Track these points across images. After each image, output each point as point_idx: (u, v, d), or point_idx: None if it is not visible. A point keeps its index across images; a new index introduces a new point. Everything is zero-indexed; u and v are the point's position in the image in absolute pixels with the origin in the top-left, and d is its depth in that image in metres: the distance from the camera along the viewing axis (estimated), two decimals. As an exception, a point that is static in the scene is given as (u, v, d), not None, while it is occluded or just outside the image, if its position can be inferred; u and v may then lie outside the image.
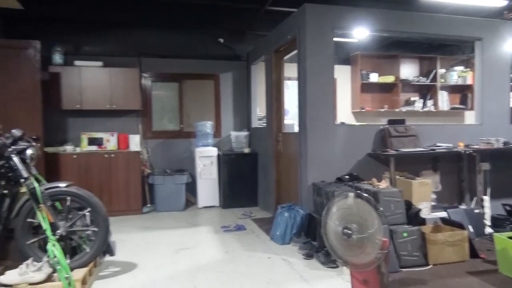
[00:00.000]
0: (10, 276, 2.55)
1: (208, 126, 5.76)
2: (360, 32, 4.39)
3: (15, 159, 2.68)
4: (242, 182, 5.62)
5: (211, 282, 2.90)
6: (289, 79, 5.36)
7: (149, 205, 5.48)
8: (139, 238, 4.11)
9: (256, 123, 6.02)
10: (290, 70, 4.97)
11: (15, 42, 4.34)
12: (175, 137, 6.06)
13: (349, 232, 2.26)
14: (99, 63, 5.31)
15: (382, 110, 6.38)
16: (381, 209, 2.29)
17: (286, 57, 4.87)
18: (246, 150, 5.80)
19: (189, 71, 6.09)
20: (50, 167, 4.69)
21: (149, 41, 5.66)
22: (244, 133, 5.97)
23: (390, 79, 6.41)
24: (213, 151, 5.69)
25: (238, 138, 5.93)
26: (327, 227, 2.38)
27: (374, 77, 6.35)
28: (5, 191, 2.76)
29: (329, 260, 3.11)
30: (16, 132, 2.77)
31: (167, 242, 3.92)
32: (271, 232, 3.94)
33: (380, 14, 4.20)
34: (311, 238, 3.60)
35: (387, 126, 4.14)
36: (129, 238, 4.08)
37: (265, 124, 5.57)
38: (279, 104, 4.94)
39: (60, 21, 5.05)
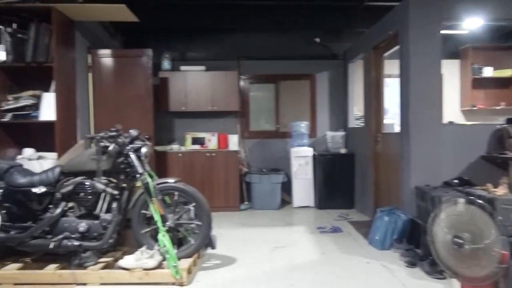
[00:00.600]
0: (128, 261, 2.86)
1: (303, 126, 5.76)
2: (472, 22, 4.00)
3: (132, 156, 2.98)
4: (338, 183, 5.51)
5: (307, 282, 2.89)
6: (389, 76, 5.10)
7: (246, 202, 5.68)
8: (237, 233, 4.28)
9: (353, 123, 5.86)
10: (391, 67, 4.74)
11: (131, 51, 4.85)
12: (271, 137, 6.18)
13: (461, 241, 2.08)
14: (202, 68, 5.66)
15: (498, 107, 5.73)
16: (500, 218, 2.05)
17: (386, 54, 4.65)
18: (343, 151, 5.67)
19: (285, 72, 6.17)
20: (159, 164, 5.13)
21: (247, 44, 5.88)
22: (341, 133, 5.84)
23: (507, 73, 5.72)
24: (309, 151, 5.67)
25: (334, 138, 5.82)
26: (434, 234, 2.22)
27: (488, 72, 5.73)
28: (124, 185, 3.10)
29: (435, 270, 2.88)
30: (133, 132, 3.09)
31: (263, 239, 4.02)
32: (370, 236, 3.79)
33: (497, 0, 3.77)
34: (414, 245, 3.38)
35: (505, 125, 3.70)
36: (228, 233, 4.28)
37: (362, 124, 5.38)
38: (378, 103, 4.73)
39: (168, 31, 5.52)
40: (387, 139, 4.49)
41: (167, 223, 2.99)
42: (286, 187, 5.80)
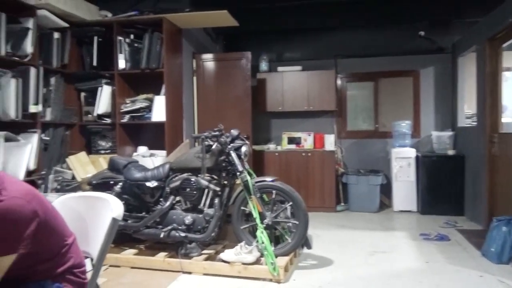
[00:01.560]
0: (228, 254, 3.00)
1: (405, 125, 5.43)
2: None
3: (233, 155, 3.12)
4: (445, 187, 5.08)
5: (410, 292, 2.73)
6: (508, 69, 4.55)
7: (342, 204, 5.56)
8: (333, 235, 4.21)
9: (463, 122, 5.34)
10: (510, 59, 4.22)
11: (232, 54, 5.08)
12: (370, 137, 5.95)
13: None
14: (299, 68, 5.68)
15: None
16: None
17: (505, 45, 4.15)
18: (450, 152, 5.21)
19: (385, 69, 5.88)
20: (257, 163, 5.29)
21: (344, 42, 5.73)
22: (448, 133, 5.37)
23: None
24: (411, 152, 5.33)
25: (440, 138, 5.38)
26: None
27: None
28: (225, 182, 3.26)
29: None
30: (234, 132, 3.23)
31: (361, 243, 3.89)
32: (483, 247, 3.42)
33: None
34: (539, 261, 2.96)
35: None
36: (324, 234, 4.23)
37: (475, 123, 4.88)
38: (495, 99, 4.24)
39: (266, 33, 5.66)
40: (506, 140, 4.01)
41: (265, 221, 3.07)
42: (385, 190, 5.53)
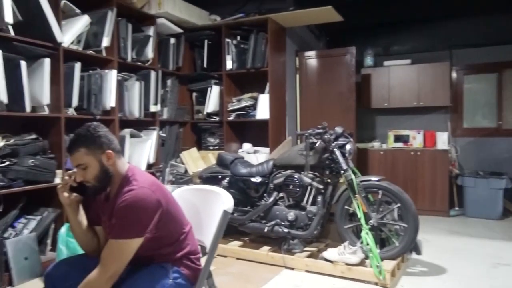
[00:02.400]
0: (331, 254, 2.96)
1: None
2: None
3: (337, 153, 3.07)
4: None
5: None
6: None
7: (456, 208, 5.07)
8: (445, 241, 3.87)
9: None
10: None
11: (335, 50, 4.98)
12: (491, 135, 5.32)
13: None
14: (407, 61, 5.33)
15: None
16: None
17: None
18: None
19: (511, 59, 5.19)
20: (360, 162, 5.11)
21: (459, 31, 5.20)
22: None
23: None
24: (544, 153, 4.63)
25: None
26: None
27: None
28: (328, 180, 3.22)
29: None
30: (338, 130, 3.17)
31: (479, 253, 3.51)
32: None
33: None
34: None
35: None
36: (435, 240, 3.91)
37: None
38: None
39: (371, 27, 5.43)
40: None
41: (370, 221, 2.96)
42: (510, 195, 4.90)
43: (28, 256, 2.88)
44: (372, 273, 2.76)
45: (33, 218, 3.09)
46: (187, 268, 1.57)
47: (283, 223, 3.23)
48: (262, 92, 4.41)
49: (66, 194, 1.53)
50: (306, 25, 5.20)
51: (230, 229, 3.50)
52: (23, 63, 2.89)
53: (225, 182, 3.51)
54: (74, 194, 1.53)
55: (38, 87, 3.03)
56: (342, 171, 3.05)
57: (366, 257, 2.89)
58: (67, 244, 2.78)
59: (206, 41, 4.53)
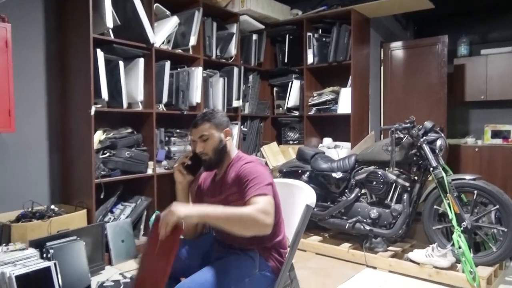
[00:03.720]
0: (418, 255, 2.80)
1: None
2: None
3: (426, 148, 2.88)
4: None
5: None
6: None
7: None
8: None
9: None
10: None
11: (424, 40, 4.67)
12: None
13: None
14: (508, 49, 4.81)
15: None
16: None
17: None
18: None
19: None
20: (451, 159, 4.74)
21: None
22: None
23: None
24: None
25: None
26: None
27: None
28: (416, 177, 3.04)
29: None
30: (428, 124, 2.97)
31: None
32: None
33: None
34: None
35: None
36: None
37: None
38: None
39: (465, 13, 4.98)
40: None
41: (463, 223, 2.73)
42: None
43: (125, 239, 3.17)
44: (465, 279, 2.56)
45: (128, 205, 3.39)
46: (274, 261, 1.59)
47: (365, 220, 3.13)
48: (344, 85, 4.30)
49: (181, 173, 1.67)
50: (392, 15, 4.94)
51: (310, 224, 3.46)
52: (121, 63, 3.16)
53: (305, 176, 3.50)
54: (186, 173, 1.68)
55: (134, 85, 3.29)
56: (431, 168, 2.85)
57: (458, 261, 2.68)
58: (158, 230, 3.00)
59: (287, 36, 4.54)
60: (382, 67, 4.82)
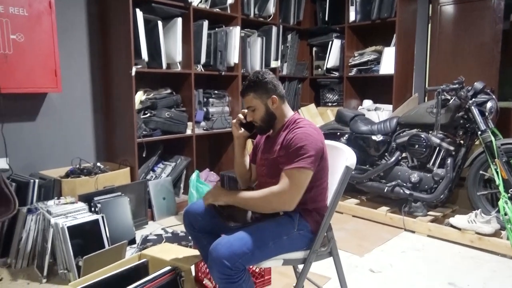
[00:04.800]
0: (460, 220, 2.73)
1: None
2: None
3: (475, 111, 2.73)
4: None
5: None
6: None
7: None
8: None
9: None
10: None
11: (478, -6, 4.31)
12: None
13: None
14: None
15: None
16: None
17: None
18: None
19: None
20: (502, 123, 4.47)
21: None
22: None
23: None
24: None
25: None
26: None
27: None
28: (461, 141, 2.91)
29: None
30: (478, 85, 2.80)
31: None
32: None
33: None
34: None
35: None
36: None
37: None
38: None
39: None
40: None
41: (510, 190, 2.61)
42: None
43: (166, 197, 3.29)
44: (509, 245, 2.48)
45: (169, 164, 3.49)
46: (313, 222, 1.60)
47: (405, 184, 3.06)
48: (388, 45, 4.09)
49: (237, 128, 1.75)
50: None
51: (347, 187, 3.39)
52: (160, 23, 3.16)
53: (344, 139, 3.44)
54: (243, 129, 1.74)
55: (172, 46, 3.29)
56: (479, 132, 2.72)
57: (502, 228, 2.59)
58: (197, 189, 3.09)
59: (328, -8, 4.34)
60: (429, 24, 4.52)
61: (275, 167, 1.58)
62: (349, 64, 4.31)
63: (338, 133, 3.53)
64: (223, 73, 3.65)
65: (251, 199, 1.55)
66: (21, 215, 2.36)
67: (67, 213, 2.32)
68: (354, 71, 4.31)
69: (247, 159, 1.85)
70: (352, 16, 4.19)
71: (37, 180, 2.58)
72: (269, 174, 1.64)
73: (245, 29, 3.95)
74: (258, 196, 1.54)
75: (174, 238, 2.71)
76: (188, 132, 3.45)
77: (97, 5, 3.21)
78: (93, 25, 3.21)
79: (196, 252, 1.90)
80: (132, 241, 2.66)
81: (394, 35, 3.95)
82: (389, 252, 2.64)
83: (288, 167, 1.50)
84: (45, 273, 2.21)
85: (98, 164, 3.12)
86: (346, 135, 3.45)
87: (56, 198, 2.55)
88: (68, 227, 2.14)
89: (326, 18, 4.41)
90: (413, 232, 2.96)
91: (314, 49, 4.65)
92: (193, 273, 2.05)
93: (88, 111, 3.26)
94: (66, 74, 2.98)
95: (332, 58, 4.36)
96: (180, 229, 2.93)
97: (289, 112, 1.70)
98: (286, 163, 1.52)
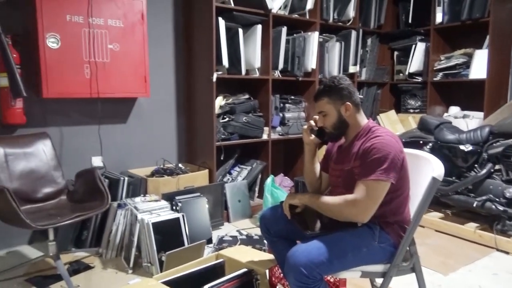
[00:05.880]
0: None
1: None
2: None
3: None
4: None
5: None
6: None
7: None
8: None
9: None
10: None
11: None
12: None
13: None
14: None
15: None
16: None
17: None
18: None
19: None
20: None
21: None
22: None
23: None
24: None
25: None
26: None
27: None
28: None
29: None
30: None
31: None
32: None
33: None
34: None
35: None
36: None
37: None
38: None
39: None
40: None
41: None
42: None
43: (241, 199, 3.37)
44: None
45: (245, 168, 3.57)
46: (395, 235, 1.52)
47: (497, 199, 2.79)
48: (479, 47, 3.78)
49: (308, 135, 1.72)
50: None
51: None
52: (240, 31, 3.25)
53: (427, 148, 3.24)
54: (314, 136, 1.72)
55: (251, 52, 3.37)
56: None
57: None
58: (272, 193, 3.12)
59: (414, -7, 4.14)
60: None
61: (351, 178, 1.53)
62: (434, 68, 4.06)
63: (421, 142, 3.33)
64: (300, 78, 3.65)
65: (325, 203, 1.53)
66: (112, 209, 2.57)
67: (151, 209, 2.48)
68: (440, 76, 4.04)
69: (318, 167, 1.81)
70: (439, 17, 3.94)
71: (126, 178, 2.80)
72: (345, 185, 1.58)
73: (324, 34, 3.91)
74: (332, 201, 1.51)
75: (249, 241, 2.76)
76: (264, 137, 3.50)
77: (183, 16, 3.40)
78: (179, 34, 3.41)
79: (270, 256, 1.92)
80: (209, 241, 2.76)
81: (487, 37, 3.64)
82: (478, 273, 2.42)
83: (365, 178, 1.45)
84: (131, 264, 2.38)
85: (180, 165, 3.29)
86: (430, 144, 3.25)
87: (142, 195, 2.74)
88: (153, 223, 2.28)
89: (410, 21, 4.20)
90: (507, 253, 2.68)
91: (396, 53, 4.46)
92: (267, 277, 2.06)
93: (172, 114, 3.46)
94: (154, 80, 3.19)
95: (415, 62, 4.14)
96: (255, 232, 2.97)
97: (363, 121, 1.63)
98: (363, 174, 1.47)
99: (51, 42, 2.58)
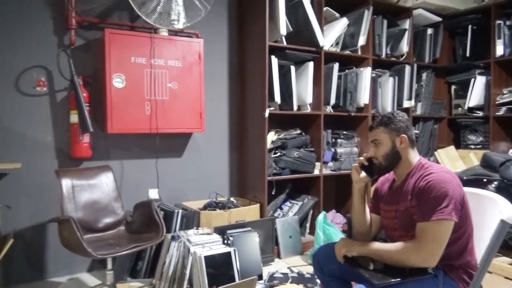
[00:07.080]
0: None
1: None
2: None
3: None
4: None
5: None
6: None
7: None
8: None
9: None
10: None
11: None
12: None
13: None
14: None
15: None
16: None
17: None
18: None
19: None
20: None
21: None
22: None
23: None
24: None
25: None
26: None
27: None
28: None
29: None
30: None
31: None
32: None
33: None
34: None
35: None
36: None
37: None
38: None
39: None
40: None
41: None
42: None
43: (292, 235, 3.32)
44: None
45: (296, 203, 3.53)
46: (461, 281, 1.42)
47: None
48: (547, 80, 3.57)
49: (357, 172, 1.66)
50: None
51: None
52: (292, 68, 3.32)
53: (492, 186, 3.04)
54: (364, 174, 1.66)
55: (303, 88, 3.42)
56: None
57: None
58: (324, 230, 3.05)
59: (470, 27, 4.02)
60: None
61: (409, 218, 1.47)
62: (496, 102, 3.86)
63: (485, 180, 3.13)
64: (352, 114, 3.62)
65: (387, 252, 1.46)
66: (166, 241, 2.64)
67: (204, 243, 2.51)
68: (503, 110, 3.83)
69: (367, 209, 1.72)
70: (499, 50, 3.79)
71: (180, 211, 2.87)
72: (403, 226, 1.51)
73: (376, 69, 3.89)
74: (395, 249, 1.44)
75: (300, 279, 2.69)
76: (316, 172, 3.47)
77: (237, 54, 3.55)
78: (233, 72, 3.55)
79: (324, 296, 1.85)
80: (259, 277, 2.72)
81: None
82: (558, 328, 2.17)
83: (425, 220, 1.38)
84: (183, 297, 2.40)
85: (232, 199, 3.33)
86: (496, 183, 3.05)
87: (195, 228, 2.79)
88: (205, 257, 2.31)
89: (468, 54, 4.07)
90: None
91: (453, 87, 4.31)
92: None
93: (225, 149, 3.54)
94: (208, 115, 3.31)
95: (475, 96, 3.97)
96: (306, 270, 2.89)
97: (416, 158, 1.58)
98: (422, 215, 1.40)
99: (117, 82, 2.79)
